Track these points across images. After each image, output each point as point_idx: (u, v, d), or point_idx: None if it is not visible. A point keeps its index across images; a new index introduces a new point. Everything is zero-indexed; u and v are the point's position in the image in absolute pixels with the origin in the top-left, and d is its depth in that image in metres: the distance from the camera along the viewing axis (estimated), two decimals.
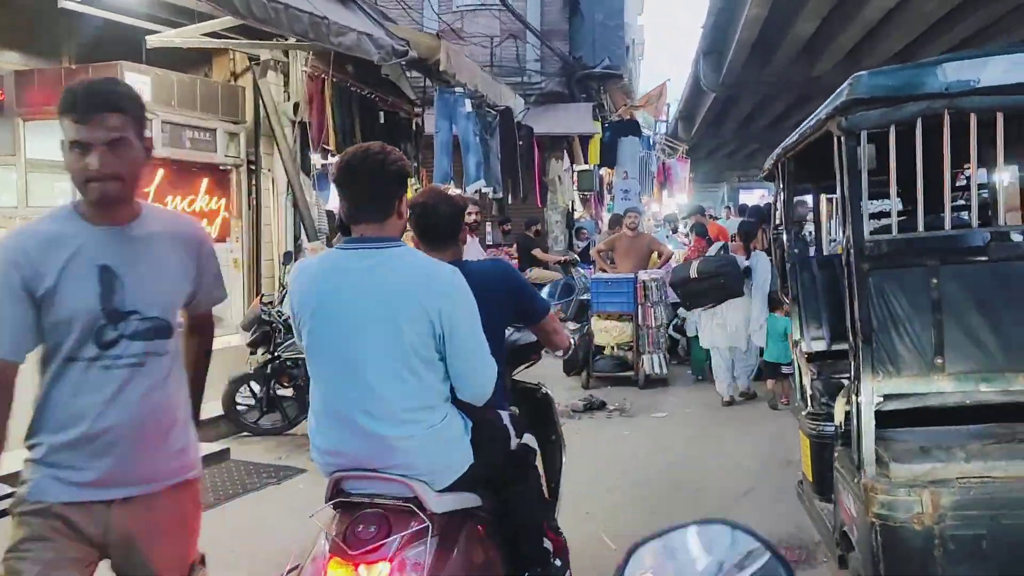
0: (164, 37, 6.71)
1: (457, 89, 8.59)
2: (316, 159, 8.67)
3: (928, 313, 2.86)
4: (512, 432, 2.70)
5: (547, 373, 9.74)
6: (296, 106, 8.33)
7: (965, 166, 3.41)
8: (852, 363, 2.97)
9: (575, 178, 16.31)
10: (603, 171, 16.84)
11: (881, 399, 2.88)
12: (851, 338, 2.97)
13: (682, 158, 21.71)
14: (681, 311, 9.54)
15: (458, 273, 2.37)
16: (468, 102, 8.55)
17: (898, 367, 2.87)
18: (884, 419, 2.95)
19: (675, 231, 14.99)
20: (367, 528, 2.19)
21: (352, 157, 2.35)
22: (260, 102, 8.10)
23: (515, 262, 13.20)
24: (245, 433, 6.95)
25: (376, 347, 2.26)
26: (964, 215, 3.72)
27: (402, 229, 2.45)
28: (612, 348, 9.00)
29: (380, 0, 12.65)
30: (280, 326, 6.39)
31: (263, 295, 6.74)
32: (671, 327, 10.01)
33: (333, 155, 8.58)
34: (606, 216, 17.04)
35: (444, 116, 8.48)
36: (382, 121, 9.77)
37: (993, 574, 2.65)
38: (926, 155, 2.76)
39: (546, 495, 3.19)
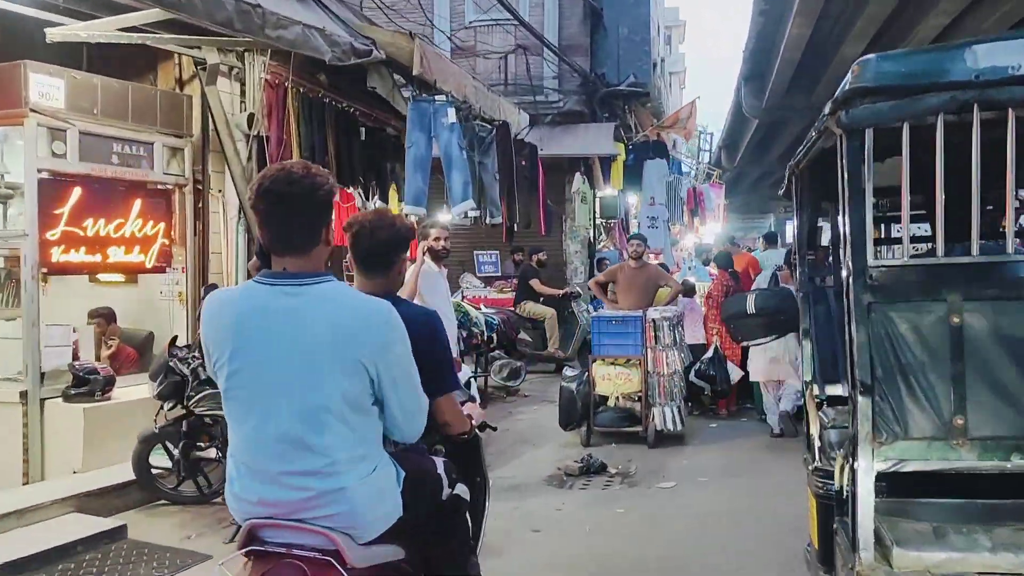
0: (68, 30, 5.72)
1: (438, 97, 7.47)
2: None
3: (947, 360, 2.41)
4: (445, 481, 2.57)
5: (542, 425, 8.51)
6: (251, 118, 7.28)
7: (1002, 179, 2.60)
8: (851, 419, 2.51)
9: (597, 204, 15.09)
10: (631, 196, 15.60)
11: (886, 464, 2.44)
12: (849, 388, 2.55)
13: (716, 184, 20.35)
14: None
15: (393, 311, 2.22)
16: (451, 111, 7.43)
17: (906, 428, 2.43)
18: (900, 481, 2.54)
19: (707, 263, 13.65)
20: None
21: (272, 182, 2.13)
22: (209, 113, 7.07)
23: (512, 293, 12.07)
24: (162, 502, 5.82)
25: (303, 397, 2.12)
26: (1001, 241, 2.89)
27: (327, 257, 2.28)
28: (617, 399, 7.70)
29: (391, 17, 11.79)
30: (193, 375, 5.25)
31: (175, 337, 5.62)
32: (693, 373, 8.69)
33: None
34: None
35: (420, 128, 7.36)
36: (363, 138, 8.69)
37: None
38: (950, 161, 2.33)
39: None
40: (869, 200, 2.47)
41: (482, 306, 11.60)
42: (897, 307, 2.48)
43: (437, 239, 5.86)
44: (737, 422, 8.78)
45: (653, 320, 7.45)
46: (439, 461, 2.61)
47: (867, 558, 2.41)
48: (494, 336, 9.55)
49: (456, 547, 2.61)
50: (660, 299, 8.90)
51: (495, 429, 3.55)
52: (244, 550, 2.19)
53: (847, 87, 2.46)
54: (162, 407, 5.43)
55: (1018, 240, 3.09)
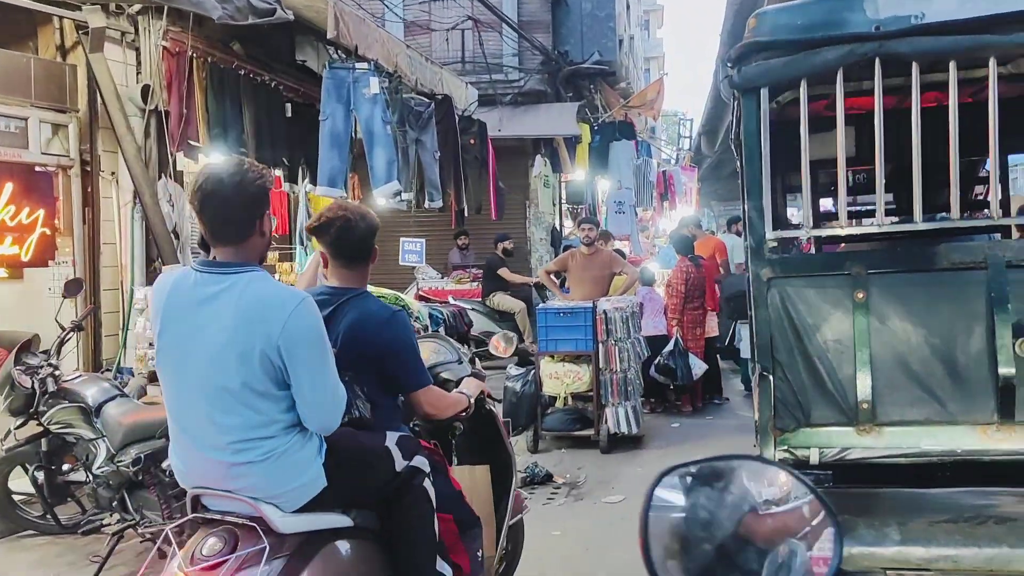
0: None
1: (359, 65, 6.65)
2: (186, 160, 6.79)
3: (852, 341, 2.19)
4: (398, 454, 2.65)
5: None
6: (146, 90, 6.45)
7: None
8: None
9: (563, 189, 14.33)
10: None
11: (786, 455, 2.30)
12: (750, 371, 2.50)
13: (687, 167, 19.56)
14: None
15: (305, 303, 2.31)
16: (374, 81, 6.61)
17: (808, 414, 2.25)
18: (853, 470, 2.36)
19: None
20: (215, 545, 2.25)
21: (206, 180, 2.29)
22: (96, 84, 6.24)
23: (477, 286, 11.28)
24: (29, 532, 5.02)
25: (210, 379, 2.27)
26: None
27: (265, 247, 2.43)
28: (566, 399, 6.94)
29: None
30: (41, 386, 4.44)
31: (29, 341, 4.78)
32: (653, 367, 7.94)
33: (206, 155, 6.70)
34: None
35: (337, 99, 6.53)
36: (289, 115, 7.87)
37: None
38: (861, 124, 2.29)
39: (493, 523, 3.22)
40: (767, 167, 2.29)
41: (451, 298, 10.83)
42: (797, 281, 2.29)
43: None
44: (702, 419, 8.04)
45: (604, 312, 6.67)
46: (392, 435, 2.68)
47: None
48: (440, 331, 8.74)
49: (416, 516, 2.67)
50: (616, 288, 8.16)
51: (496, 401, 3.51)
52: (188, 517, 2.39)
53: (743, 43, 2.28)
54: (19, 424, 4.62)
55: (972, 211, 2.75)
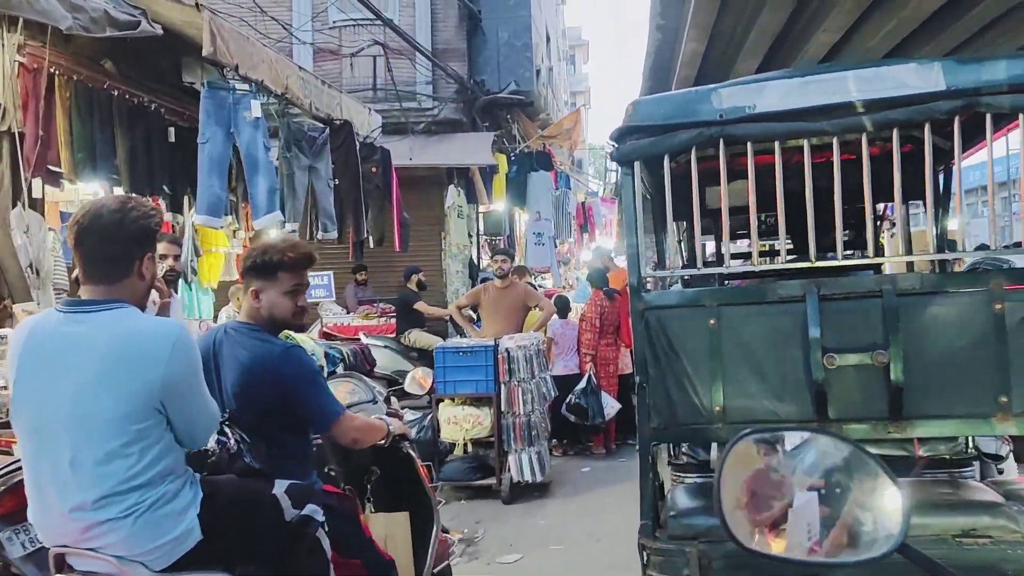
0: None
1: (240, 86, 6.15)
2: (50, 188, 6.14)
3: (707, 359, 2.70)
4: (287, 502, 2.50)
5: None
6: None
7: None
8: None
9: (480, 220, 13.95)
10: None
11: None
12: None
13: (607, 199, 19.45)
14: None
15: (182, 336, 2.20)
16: (255, 104, 6.11)
17: (675, 417, 2.75)
18: None
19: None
20: None
21: (84, 214, 2.21)
22: None
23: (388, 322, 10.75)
24: None
25: (77, 423, 2.11)
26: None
27: (144, 291, 2.31)
28: (465, 445, 6.47)
29: (246, 17, 10.38)
30: None
31: None
32: (564, 406, 7.56)
33: (70, 181, 6.07)
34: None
35: (216, 121, 6.01)
36: (172, 140, 7.26)
37: None
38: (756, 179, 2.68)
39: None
40: (640, 221, 2.77)
41: (362, 335, 10.24)
42: (666, 312, 2.76)
43: (164, 257, 4.45)
44: (615, 461, 7.67)
45: (507, 350, 6.25)
46: (281, 483, 2.54)
47: (645, 528, 2.68)
48: (338, 370, 8.17)
49: (308, 569, 2.56)
50: (531, 323, 7.77)
51: (413, 442, 3.35)
52: None
53: (621, 125, 2.75)
54: None
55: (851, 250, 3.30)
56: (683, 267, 3.15)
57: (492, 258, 7.68)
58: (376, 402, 3.45)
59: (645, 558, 2.66)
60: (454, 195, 12.08)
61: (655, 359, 2.74)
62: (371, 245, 8.78)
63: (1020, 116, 2.56)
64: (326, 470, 3.22)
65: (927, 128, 2.55)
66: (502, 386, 6.26)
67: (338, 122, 7.81)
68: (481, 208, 13.87)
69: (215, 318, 8.81)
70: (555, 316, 8.14)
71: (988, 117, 2.52)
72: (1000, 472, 3.53)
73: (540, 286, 13.11)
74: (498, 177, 13.03)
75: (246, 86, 6.24)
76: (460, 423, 6.31)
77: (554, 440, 8.14)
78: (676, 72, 26.15)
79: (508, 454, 6.26)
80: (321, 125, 7.57)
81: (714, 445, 3.30)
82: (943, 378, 2.57)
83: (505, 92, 13.50)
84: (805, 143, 2.66)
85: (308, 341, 7.79)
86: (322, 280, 9.01)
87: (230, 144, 6.19)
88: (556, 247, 13.67)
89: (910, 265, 4.10)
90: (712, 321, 2.69)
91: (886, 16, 19.16)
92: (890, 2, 18.57)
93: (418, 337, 10.13)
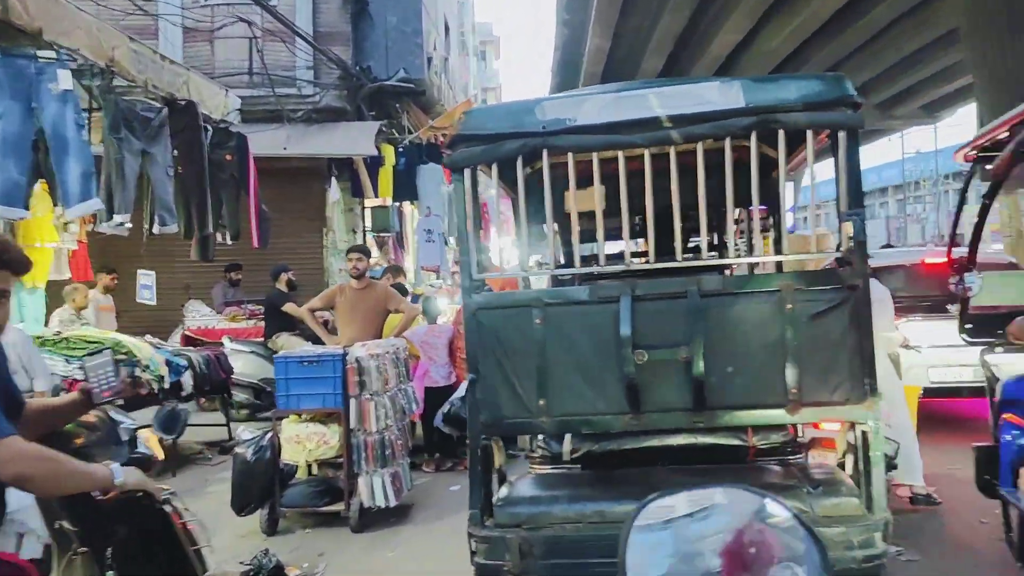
0: None
1: (43, 54, 5.26)
2: None
3: (533, 355, 2.83)
4: None
5: (210, 510, 6.34)
6: None
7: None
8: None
9: (367, 215, 13.16)
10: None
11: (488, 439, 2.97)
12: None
13: (504, 195, 18.86)
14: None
15: None
16: (63, 74, 5.24)
17: (502, 409, 2.87)
18: (591, 460, 3.39)
19: None
20: None
21: None
22: None
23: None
24: None
25: None
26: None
27: None
28: (309, 467, 5.73)
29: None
30: None
31: None
32: (441, 416, 6.91)
33: None
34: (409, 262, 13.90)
35: (12, 95, 5.07)
36: None
37: None
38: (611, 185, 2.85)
39: None
40: (472, 225, 2.94)
41: (226, 340, 9.33)
42: (495, 312, 2.93)
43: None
44: None
45: (357, 360, 5.54)
46: None
47: (473, 517, 2.89)
48: (185, 381, 7.31)
49: None
50: (391, 327, 7.09)
51: (161, 503, 2.58)
52: None
53: (455, 134, 2.98)
54: None
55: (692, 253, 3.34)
56: (540, 267, 3.47)
57: (347, 256, 6.94)
58: (120, 444, 2.77)
59: (473, 546, 2.80)
60: (337, 188, 11.27)
61: (485, 357, 2.88)
62: (226, 241, 7.92)
63: (808, 132, 2.73)
64: (56, 526, 2.56)
65: (727, 141, 2.74)
66: (352, 400, 5.55)
67: (181, 103, 6.94)
68: (368, 203, 13.08)
69: (46, 321, 7.81)
70: (421, 321, 7.50)
71: (780, 133, 2.70)
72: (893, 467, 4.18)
73: (432, 285, 12.43)
74: (384, 170, 12.27)
75: (52, 54, 5.35)
76: (303, 442, 5.57)
77: (426, 455, 7.51)
78: (583, 69, 25.95)
79: (358, 476, 5.56)
80: (157, 105, 6.69)
81: (567, 438, 3.46)
82: (742, 372, 2.78)
83: (393, 80, 12.73)
84: (645, 153, 2.81)
85: (144, 347, 6.90)
86: (148, 279, 8.05)
87: (31, 121, 5.29)
88: (447, 244, 12.98)
89: (779, 265, 4.19)
90: (537, 321, 2.84)
91: (787, 18, 19.29)
92: (790, 5, 18.69)
93: (286, 341, 9.27)
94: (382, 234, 13.32)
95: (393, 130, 13.36)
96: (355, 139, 11.66)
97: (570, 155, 2.81)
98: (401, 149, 12.61)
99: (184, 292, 11.60)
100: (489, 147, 2.85)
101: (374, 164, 12.24)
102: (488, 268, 3.13)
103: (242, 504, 5.54)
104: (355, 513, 5.51)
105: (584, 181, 2.89)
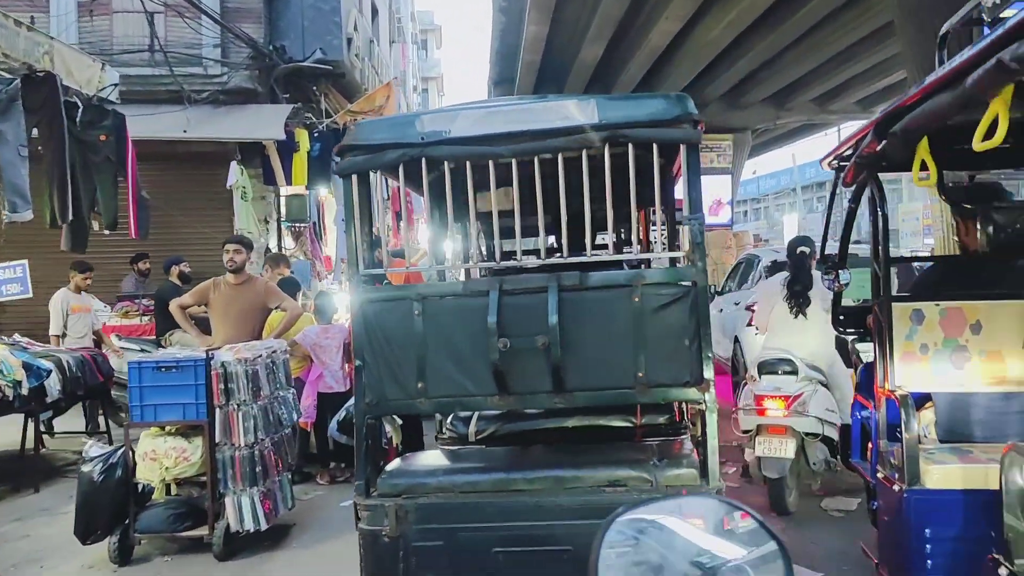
0: None
1: None
2: None
3: (412, 343, 3.07)
4: None
5: (61, 534, 5.63)
6: None
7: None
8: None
9: (281, 204, 12.40)
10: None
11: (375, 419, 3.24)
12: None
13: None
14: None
15: None
16: None
17: (384, 391, 3.11)
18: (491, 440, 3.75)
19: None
20: None
21: None
22: None
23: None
24: None
25: None
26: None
27: None
28: (167, 486, 5.07)
29: None
30: None
31: None
32: (335, 425, 6.33)
33: None
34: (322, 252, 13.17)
35: None
36: None
37: None
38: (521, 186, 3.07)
39: None
40: (357, 225, 3.12)
41: (115, 337, 8.54)
42: (380, 304, 3.13)
43: None
44: None
45: (223, 364, 4.90)
46: None
47: (358, 488, 3.09)
48: (50, 386, 6.56)
49: None
50: (272, 326, 6.45)
51: None
52: None
53: (341, 143, 3.17)
54: None
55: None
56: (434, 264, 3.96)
57: (223, 247, 6.28)
58: None
59: (357, 514, 3.04)
60: (237, 173, 10.52)
61: (370, 345, 3.09)
62: (103, 230, 7.17)
63: (654, 146, 2.94)
64: None
65: (583, 154, 2.97)
66: (217, 411, 4.91)
67: (40, 74, 6.17)
68: (284, 191, 12.33)
69: None
70: (311, 320, 6.87)
71: (631, 147, 2.93)
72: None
73: (337, 282, 11.76)
74: (299, 156, 11.53)
75: None
76: (160, 459, 4.91)
77: (320, 466, 6.90)
78: (520, 58, 25.38)
79: (225, 496, 4.92)
80: (8, 76, 5.92)
81: (474, 417, 3.81)
82: (596, 358, 3.02)
83: (310, 61, 11.99)
84: (536, 159, 3.06)
85: None
86: (15, 272, 7.26)
87: None
88: None
89: (672, 261, 4.21)
90: (416, 312, 3.07)
91: (725, 7, 19.00)
92: None
93: (181, 339, 8.51)
94: (298, 224, 12.58)
95: (310, 114, 12.63)
96: (263, 123, 10.93)
97: (446, 164, 3.05)
98: (316, 134, 11.89)
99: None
100: (372, 156, 3.06)
101: (288, 150, 11.50)
102: (385, 263, 3.25)
103: (87, 530, 4.88)
104: (219, 538, 4.87)
105: (496, 183, 3.08)
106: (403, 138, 3.04)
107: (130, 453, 4.96)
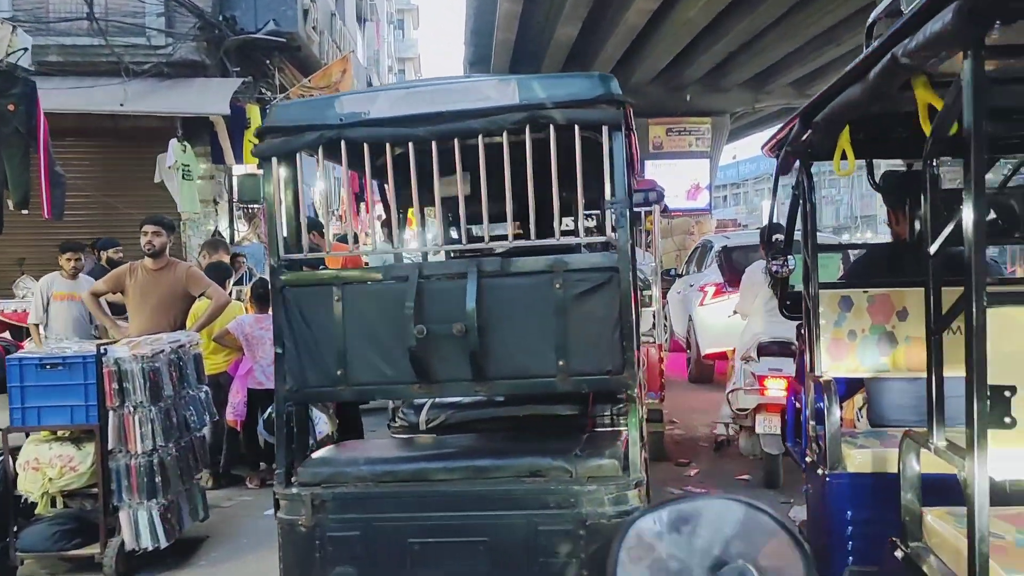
0: None
1: None
2: None
3: (333, 329, 3.04)
4: None
5: None
6: None
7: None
8: None
9: (232, 184, 11.77)
10: None
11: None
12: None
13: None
14: None
15: None
16: None
17: (306, 378, 3.08)
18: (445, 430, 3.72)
19: None
20: None
21: None
22: None
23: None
24: None
25: None
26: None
27: None
28: (52, 500, 4.50)
29: None
30: None
31: None
32: (262, 423, 5.82)
33: None
34: None
35: None
36: None
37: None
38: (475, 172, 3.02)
39: None
40: (280, 210, 3.09)
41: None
42: (300, 289, 3.10)
43: None
44: None
45: (117, 362, 4.32)
46: None
47: (278, 477, 3.06)
48: None
49: None
50: (196, 315, 5.89)
51: None
52: None
53: (261, 125, 3.18)
54: None
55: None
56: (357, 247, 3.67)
57: (142, 228, 5.70)
58: None
59: (276, 504, 3.02)
60: (177, 152, 9.88)
61: (291, 331, 3.08)
62: (8, 207, 6.54)
63: (576, 127, 2.87)
64: None
65: (504, 134, 2.92)
66: (110, 413, 4.34)
67: None
68: (236, 170, 11.69)
69: None
70: (242, 310, 6.30)
71: (552, 128, 2.89)
72: None
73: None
74: (250, 133, 10.87)
75: None
76: (43, 468, 4.34)
77: (250, 468, 6.36)
78: (495, 36, 24.74)
79: (119, 511, 4.36)
80: None
81: (426, 406, 3.75)
82: (517, 345, 2.99)
83: (262, 32, 11.32)
84: (481, 140, 2.99)
85: None
86: None
87: None
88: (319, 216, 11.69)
89: (606, 245, 4.15)
90: (336, 297, 3.05)
91: None
92: None
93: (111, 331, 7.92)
94: (250, 205, 11.94)
95: (264, 89, 11.98)
96: (209, 97, 10.28)
97: (366, 146, 2.99)
98: (268, 109, 11.22)
99: (17, 267, 10.13)
100: (291, 138, 3.01)
101: (239, 127, 10.84)
102: (306, 247, 3.12)
103: None
104: (111, 558, 4.31)
105: (446, 169, 3.01)
106: (321, 120, 3.00)
107: (10, 462, 4.39)
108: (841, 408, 3.75)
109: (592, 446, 3.11)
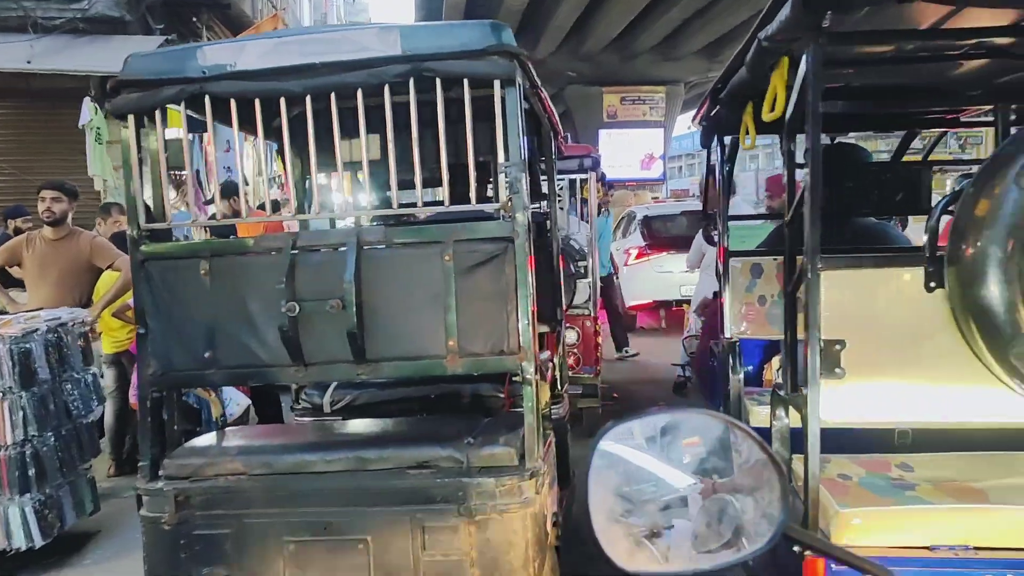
0: None
1: None
2: None
3: (199, 305, 2.81)
4: None
5: None
6: None
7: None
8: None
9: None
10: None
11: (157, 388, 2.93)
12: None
13: None
14: None
15: None
16: None
17: (172, 361, 2.84)
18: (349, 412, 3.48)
19: None
20: None
21: None
22: None
23: None
24: None
25: None
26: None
27: None
28: None
29: None
30: None
31: None
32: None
33: None
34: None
35: None
36: None
37: None
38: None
39: None
40: (136, 169, 2.79)
41: None
42: (164, 262, 2.81)
43: None
44: None
45: None
46: None
47: (142, 470, 2.80)
48: None
49: None
50: (104, 289, 5.46)
51: None
52: None
53: (114, 79, 2.82)
54: None
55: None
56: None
57: (39, 193, 5.25)
58: None
59: (139, 500, 2.73)
60: (91, 112, 9.25)
61: (154, 308, 2.80)
62: None
63: (465, 81, 2.62)
64: None
65: (386, 89, 2.63)
66: None
67: None
68: (167, 135, 11.04)
69: None
70: None
71: (438, 82, 2.61)
72: None
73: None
74: None
75: None
76: None
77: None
78: (444, 1, 24.08)
79: None
80: None
81: (329, 389, 3.52)
82: (402, 324, 2.74)
83: None
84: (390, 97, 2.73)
85: None
86: None
87: None
88: (248, 184, 11.18)
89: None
90: (203, 271, 2.76)
91: None
92: None
93: (15, 299, 7.37)
94: (177, 172, 11.31)
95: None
96: (127, 56, 9.61)
97: (232, 101, 2.72)
98: None
99: None
100: (148, 93, 2.74)
101: None
102: (168, 215, 2.84)
103: None
104: None
105: (351, 131, 2.82)
106: (182, 72, 2.71)
107: None
108: (763, 369, 4.09)
109: (490, 432, 2.85)
